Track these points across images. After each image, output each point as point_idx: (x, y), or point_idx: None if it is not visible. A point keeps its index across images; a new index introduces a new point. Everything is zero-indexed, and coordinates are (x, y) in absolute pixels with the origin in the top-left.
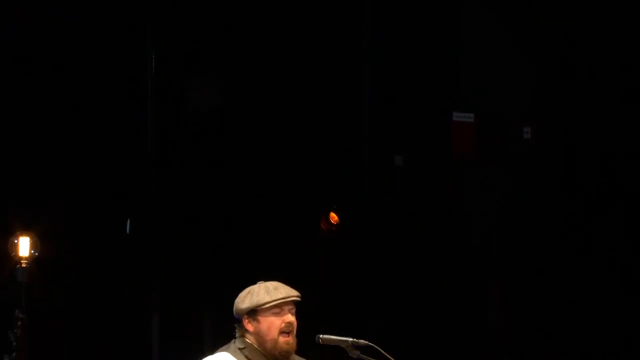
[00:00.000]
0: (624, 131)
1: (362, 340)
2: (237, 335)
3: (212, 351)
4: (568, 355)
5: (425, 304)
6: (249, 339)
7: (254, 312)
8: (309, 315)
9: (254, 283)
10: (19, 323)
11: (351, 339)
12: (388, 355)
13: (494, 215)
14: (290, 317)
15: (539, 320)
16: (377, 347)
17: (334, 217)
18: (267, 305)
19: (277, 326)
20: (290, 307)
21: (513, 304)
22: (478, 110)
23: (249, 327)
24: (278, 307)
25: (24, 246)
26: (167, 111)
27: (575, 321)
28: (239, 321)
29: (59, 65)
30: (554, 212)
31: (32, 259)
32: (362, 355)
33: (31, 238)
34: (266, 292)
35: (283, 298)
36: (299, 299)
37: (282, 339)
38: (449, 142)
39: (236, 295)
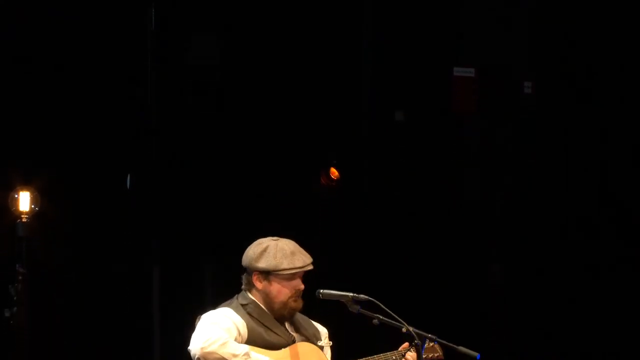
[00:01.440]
0: (626, 87)
1: (362, 295)
2: (243, 287)
3: (214, 306)
4: (567, 311)
5: (426, 260)
6: (255, 295)
7: (267, 273)
8: (309, 271)
9: (254, 237)
10: (20, 277)
11: (351, 294)
12: (388, 310)
13: (495, 170)
14: (301, 286)
15: (540, 279)
16: (377, 302)
17: (334, 172)
18: (284, 273)
19: (287, 293)
20: (302, 272)
21: (514, 260)
22: (479, 65)
23: (258, 284)
24: (292, 275)
25: (24, 201)
26: (167, 68)
27: (576, 277)
28: (249, 273)
29: (58, 23)
30: (555, 167)
31: (32, 214)
32: (362, 310)
33: (31, 193)
34: (283, 256)
35: (301, 268)
36: (312, 267)
37: (291, 301)
38: (449, 97)
39: (238, 250)
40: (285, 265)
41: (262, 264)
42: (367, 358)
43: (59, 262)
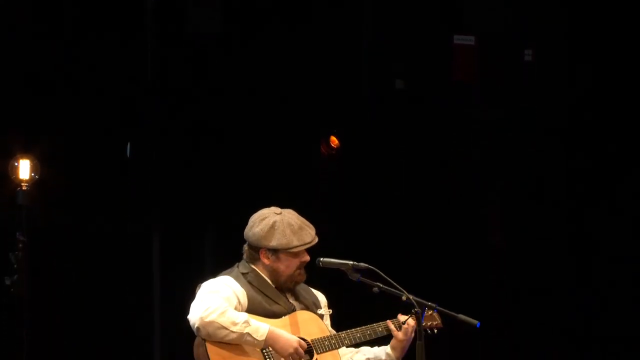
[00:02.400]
0: (628, 54)
1: (362, 264)
2: (244, 258)
3: (214, 275)
4: (567, 273)
5: (426, 228)
6: (258, 267)
7: (276, 250)
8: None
9: (254, 205)
10: (20, 245)
11: (351, 262)
12: (388, 278)
13: (496, 137)
14: (307, 257)
15: (540, 246)
16: (377, 270)
17: (334, 141)
18: (294, 250)
19: (294, 266)
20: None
21: (514, 225)
22: (479, 33)
23: (266, 260)
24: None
25: (24, 169)
26: (167, 34)
27: (577, 240)
28: (254, 248)
29: None
30: (556, 134)
31: (32, 182)
32: (362, 278)
33: (31, 161)
34: (292, 232)
35: (310, 243)
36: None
37: (297, 272)
38: (449, 65)
39: (237, 219)
40: (295, 242)
41: (274, 243)
42: (352, 330)
43: (59, 230)
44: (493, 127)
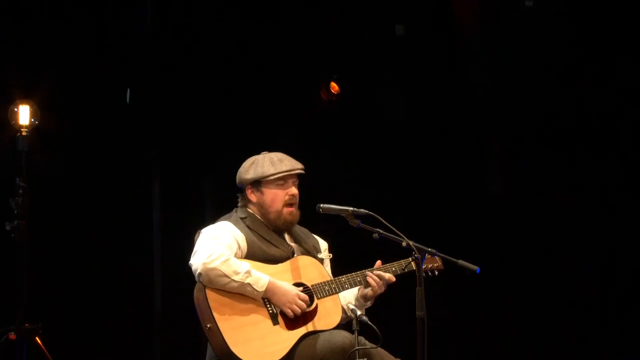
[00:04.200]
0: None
1: (362, 210)
2: (239, 204)
3: (214, 221)
4: (566, 222)
5: (426, 174)
6: (252, 209)
7: (258, 183)
8: (309, 185)
9: (254, 151)
10: (20, 191)
11: (352, 208)
12: (388, 224)
13: (496, 79)
14: (294, 190)
15: (540, 194)
16: (377, 216)
17: (334, 86)
18: (272, 177)
19: (281, 198)
20: (294, 179)
21: (515, 175)
22: None
23: (252, 197)
24: (282, 180)
25: (23, 115)
26: None
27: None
28: (242, 190)
29: None
30: (556, 76)
31: (32, 128)
32: (362, 224)
33: (31, 106)
34: (271, 163)
35: (288, 171)
36: (303, 171)
37: (285, 210)
38: (450, 11)
39: (237, 163)
40: (272, 170)
41: (251, 175)
42: (352, 274)
43: (59, 175)
44: (493, 73)
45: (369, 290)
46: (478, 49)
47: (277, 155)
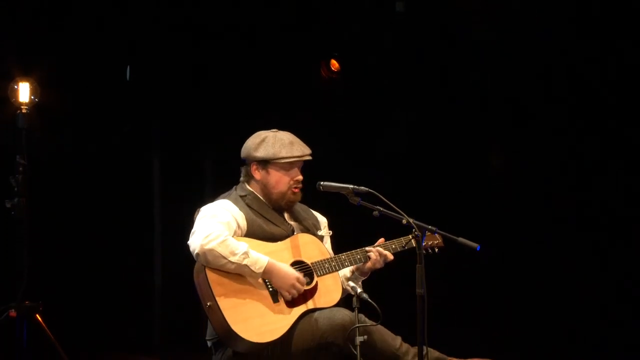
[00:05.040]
0: None
1: (362, 187)
2: (241, 179)
3: (213, 198)
4: (568, 198)
5: (427, 151)
6: (253, 186)
7: (265, 163)
8: (309, 163)
9: (253, 129)
10: (20, 169)
11: (352, 186)
12: (388, 202)
13: (496, 57)
14: (300, 176)
15: (540, 171)
16: (377, 194)
17: (334, 64)
18: (282, 161)
19: (286, 182)
20: (300, 164)
21: (515, 153)
22: None
23: (257, 174)
24: (290, 164)
25: (23, 92)
26: None
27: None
28: (246, 165)
29: None
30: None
31: (32, 105)
32: (363, 202)
33: (31, 84)
34: (281, 145)
35: (299, 157)
36: (311, 157)
37: (290, 191)
38: None
39: (237, 140)
40: (283, 153)
41: (261, 153)
42: (352, 251)
43: (59, 153)
44: (493, 47)
45: (368, 264)
46: (478, 25)
47: (287, 137)
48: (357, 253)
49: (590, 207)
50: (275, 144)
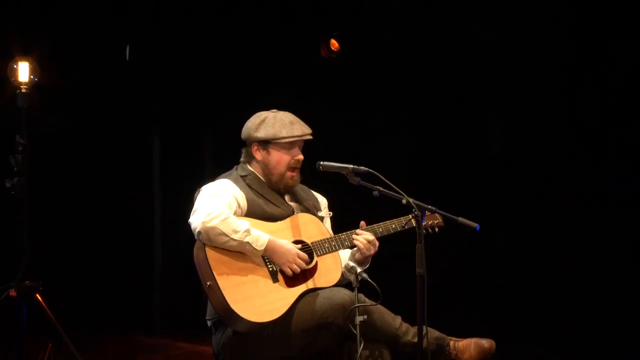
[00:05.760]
0: None
1: (362, 167)
2: (242, 160)
3: (214, 177)
4: (566, 178)
5: (426, 131)
6: (254, 167)
7: (266, 143)
8: (310, 143)
9: (254, 109)
10: (20, 148)
11: (352, 166)
12: (388, 182)
13: (496, 34)
14: (301, 156)
15: (540, 152)
16: (377, 174)
17: (334, 44)
18: (282, 141)
19: (286, 162)
20: (301, 144)
21: (515, 134)
22: None
23: (257, 155)
24: (291, 144)
25: (23, 71)
26: None
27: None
28: (247, 146)
29: None
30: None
31: (31, 85)
32: (363, 181)
33: (30, 63)
34: (282, 125)
35: (299, 136)
36: (311, 137)
37: (288, 174)
38: None
39: (237, 120)
40: (284, 133)
41: (261, 134)
42: (352, 231)
43: (59, 132)
44: (492, 28)
45: (357, 254)
46: (480, 7)
47: (287, 117)
48: (353, 233)
49: (592, 188)
50: (276, 124)
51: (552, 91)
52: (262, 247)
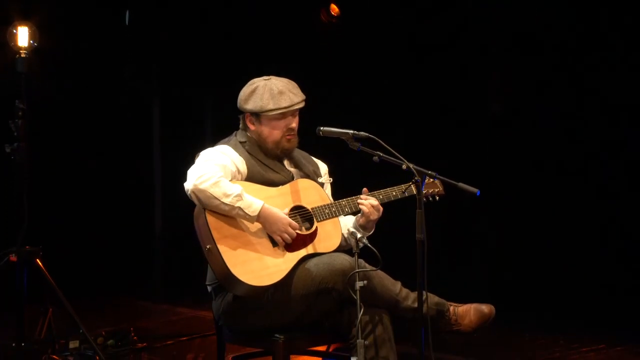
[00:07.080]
0: None
1: (362, 133)
2: (240, 126)
3: (213, 143)
4: (567, 143)
5: (426, 97)
6: (251, 133)
7: (256, 115)
8: (309, 108)
9: (252, 73)
10: (20, 113)
11: (352, 131)
12: (388, 147)
13: (495, 18)
14: (293, 124)
15: (540, 115)
16: (377, 139)
17: (334, 8)
18: (270, 114)
19: (279, 130)
20: (295, 111)
21: (513, 98)
22: None
23: (251, 125)
24: (282, 114)
25: (22, 36)
26: None
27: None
28: (241, 114)
29: None
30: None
31: (31, 49)
32: (362, 147)
33: (30, 28)
34: (270, 96)
35: (286, 107)
36: (303, 104)
37: (284, 139)
38: None
39: (237, 83)
40: (271, 106)
41: (250, 106)
42: (353, 197)
43: (59, 97)
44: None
45: (361, 219)
46: None
47: (277, 86)
48: (357, 198)
49: (589, 153)
50: (264, 95)
51: (553, 51)
52: (255, 214)
